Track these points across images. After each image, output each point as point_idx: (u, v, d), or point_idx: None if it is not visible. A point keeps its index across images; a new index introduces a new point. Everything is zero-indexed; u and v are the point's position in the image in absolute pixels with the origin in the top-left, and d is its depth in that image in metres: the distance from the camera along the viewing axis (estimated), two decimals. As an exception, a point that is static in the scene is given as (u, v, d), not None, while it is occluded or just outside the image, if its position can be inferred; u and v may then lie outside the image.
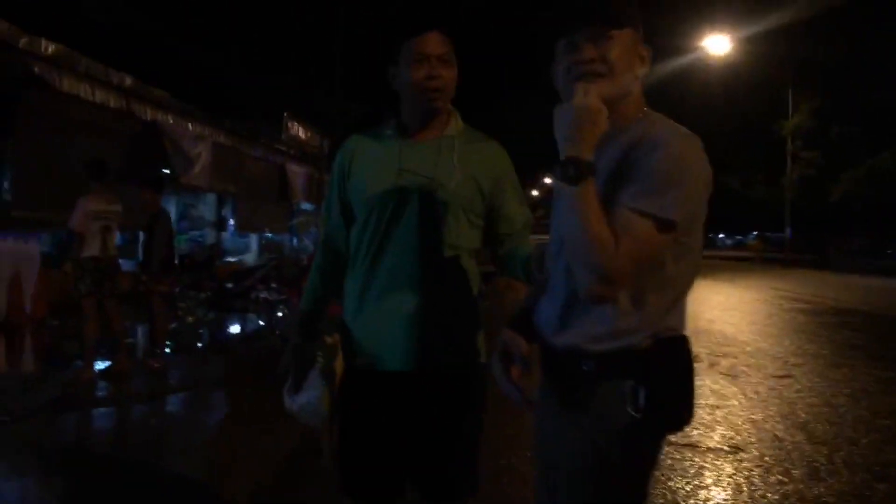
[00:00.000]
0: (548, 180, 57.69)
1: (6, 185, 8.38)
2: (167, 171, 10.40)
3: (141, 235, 7.64)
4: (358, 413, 2.08)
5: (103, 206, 6.45)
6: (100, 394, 5.93)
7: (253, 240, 15.23)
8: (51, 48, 10.34)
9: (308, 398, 2.09)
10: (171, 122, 11.04)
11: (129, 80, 10.79)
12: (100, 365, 6.48)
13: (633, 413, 1.43)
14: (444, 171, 2.02)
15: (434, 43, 1.99)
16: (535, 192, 70.87)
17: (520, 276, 2.11)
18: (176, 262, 8.48)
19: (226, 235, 14.67)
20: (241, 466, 4.13)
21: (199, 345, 8.00)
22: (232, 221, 14.91)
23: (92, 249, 6.30)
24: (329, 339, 2.13)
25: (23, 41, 10.08)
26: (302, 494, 3.71)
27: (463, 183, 2.03)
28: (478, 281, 2.13)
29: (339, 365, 2.10)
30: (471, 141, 2.11)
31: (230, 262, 11.89)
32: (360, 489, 2.09)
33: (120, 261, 6.92)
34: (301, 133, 16.28)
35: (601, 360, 1.46)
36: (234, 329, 8.62)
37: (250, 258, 14.01)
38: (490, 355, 1.75)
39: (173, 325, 7.79)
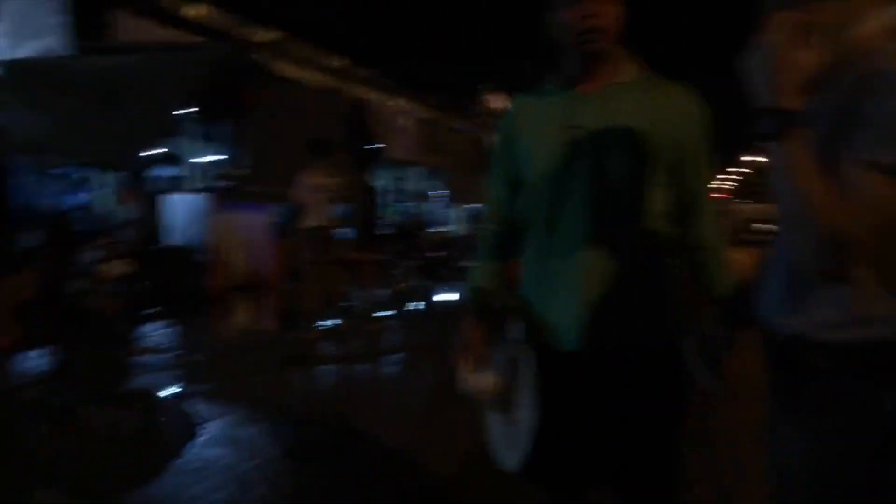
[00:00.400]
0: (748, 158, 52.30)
1: (243, 162, 9.26)
2: (375, 146, 10.83)
3: (350, 208, 8.03)
4: (545, 394, 1.84)
5: (322, 179, 6.78)
6: (321, 352, 6.28)
7: (458, 211, 15.55)
8: (269, 36, 11.18)
9: (484, 383, 1.91)
10: (379, 99, 11.50)
11: (341, 62, 11.37)
12: (325, 324, 6.89)
13: (883, 429, 1.11)
14: (614, 121, 1.73)
15: None
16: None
17: (716, 288, 1.78)
18: (385, 232, 8.82)
19: (432, 206, 15.13)
20: (449, 430, 4.11)
21: (409, 309, 8.26)
22: (438, 192, 15.35)
23: (312, 220, 6.67)
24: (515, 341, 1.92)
25: (248, 31, 11.02)
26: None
27: (637, 133, 1.72)
28: (671, 246, 1.79)
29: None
30: (650, 88, 1.77)
31: (436, 233, 12.19)
32: (547, 476, 1.88)
33: (339, 230, 7.30)
34: (497, 104, 16.33)
35: (836, 354, 1.18)
36: (442, 297, 8.79)
37: (456, 228, 14.32)
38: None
39: (385, 292, 8.12)
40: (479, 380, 1.93)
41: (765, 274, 1.34)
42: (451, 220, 15.14)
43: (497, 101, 16.23)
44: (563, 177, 1.76)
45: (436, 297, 8.73)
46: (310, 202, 6.68)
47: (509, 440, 1.88)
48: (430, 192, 15.12)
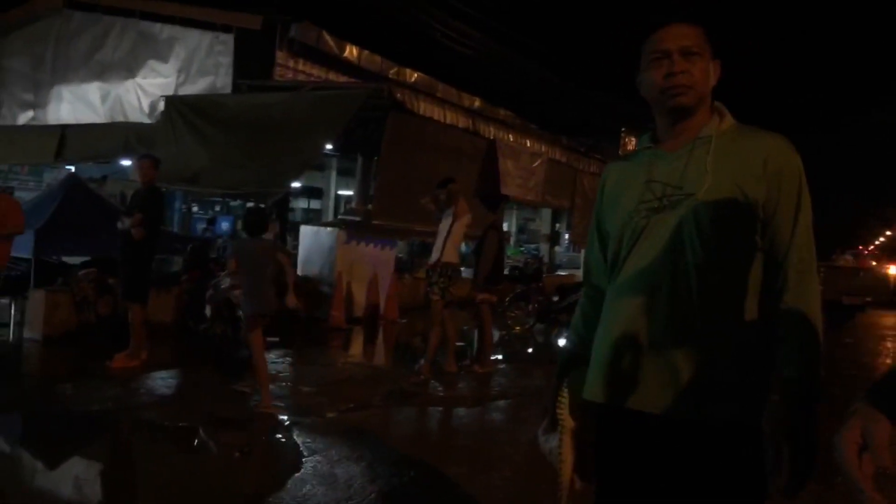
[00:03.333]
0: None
1: (373, 197, 9.62)
2: (504, 186, 10.87)
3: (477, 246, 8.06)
4: (598, 456, 1.80)
5: (454, 218, 6.81)
6: (431, 392, 6.32)
7: (581, 254, 15.31)
8: (414, 76, 11.61)
9: (551, 446, 1.87)
10: (511, 139, 11.57)
11: (477, 102, 11.58)
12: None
13: None
14: (693, 177, 1.65)
15: (673, 36, 1.68)
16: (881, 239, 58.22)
17: (794, 369, 1.58)
18: (508, 273, 8.79)
19: (559, 249, 14.96)
20: (548, 487, 3.98)
21: (524, 353, 8.17)
22: (567, 235, 15.15)
23: (444, 257, 6.67)
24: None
25: (392, 71, 11.51)
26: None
27: (716, 189, 1.62)
28: (755, 312, 1.64)
29: (565, 414, 1.85)
30: (738, 139, 1.68)
31: (558, 276, 12.02)
32: None
33: (463, 269, 7.33)
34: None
35: None
36: (561, 341, 8.62)
37: (581, 273, 14.07)
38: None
39: (502, 334, 8.08)
40: (548, 441, 1.90)
41: None
42: (576, 263, 14.91)
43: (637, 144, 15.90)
44: (638, 233, 1.71)
45: (553, 342, 8.58)
46: (440, 239, 6.72)
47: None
48: (563, 235, 14.99)
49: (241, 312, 6.96)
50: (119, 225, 6.14)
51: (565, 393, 1.89)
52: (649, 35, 1.73)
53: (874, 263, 23.18)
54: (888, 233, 56.82)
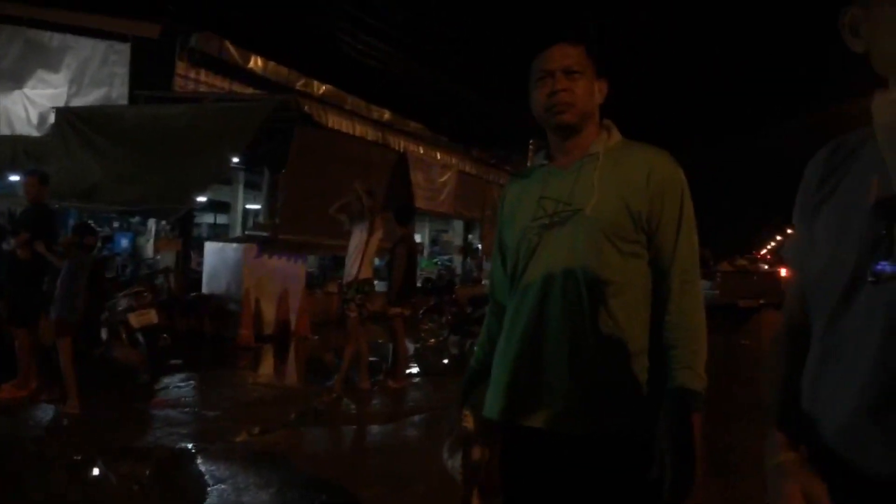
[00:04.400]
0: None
1: (280, 211, 9.39)
2: (415, 198, 10.86)
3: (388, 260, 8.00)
4: (504, 472, 1.84)
5: (366, 231, 6.71)
6: (343, 410, 6.20)
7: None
8: (322, 88, 11.46)
9: (454, 464, 1.88)
10: (422, 151, 11.60)
11: (387, 115, 11.55)
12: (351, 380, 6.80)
13: None
14: (581, 193, 1.71)
15: (556, 56, 1.74)
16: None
17: (676, 378, 1.63)
18: (420, 286, 8.76)
19: (469, 262, 15.08)
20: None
21: (443, 364, 8.14)
22: (479, 247, 15.29)
23: (357, 272, 6.53)
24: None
25: (299, 83, 11.32)
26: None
27: (602, 204, 1.68)
28: (645, 323, 1.70)
29: (468, 431, 1.88)
30: (623, 154, 1.75)
31: (471, 287, 12.11)
32: None
33: (376, 283, 7.24)
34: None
35: None
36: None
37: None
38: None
39: (416, 346, 8.03)
40: (452, 459, 1.91)
41: (818, 367, 1.05)
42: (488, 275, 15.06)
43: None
44: (532, 249, 1.75)
45: (467, 354, 8.60)
46: (353, 254, 6.61)
47: None
48: (475, 246, 15.10)
49: (139, 335, 6.65)
50: (4, 245, 5.75)
51: (468, 411, 1.90)
52: (535, 56, 1.77)
53: (766, 267, 24.56)
54: (779, 238, 60.52)
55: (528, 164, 15.35)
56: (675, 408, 1.60)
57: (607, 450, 1.64)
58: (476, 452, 1.86)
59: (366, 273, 6.55)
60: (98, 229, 9.50)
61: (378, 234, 6.61)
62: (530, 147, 15.60)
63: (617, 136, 1.80)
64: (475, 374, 1.97)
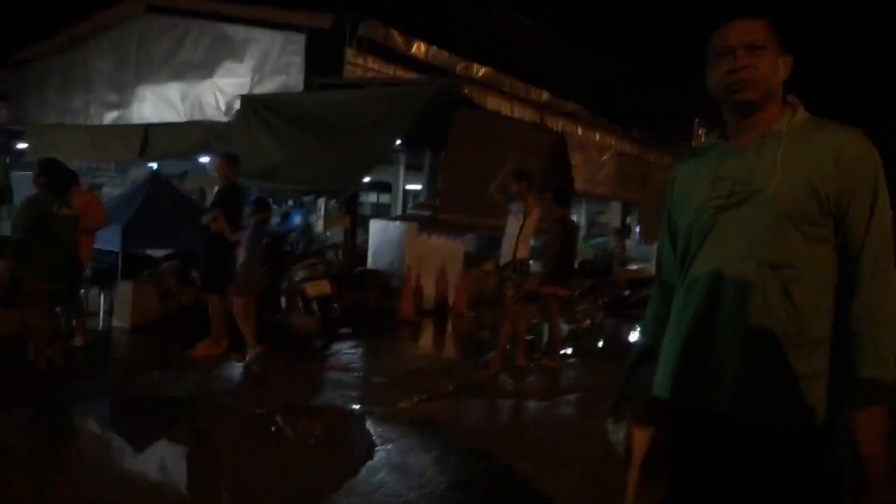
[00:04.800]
0: None
1: (441, 192, 9.69)
2: (574, 180, 10.76)
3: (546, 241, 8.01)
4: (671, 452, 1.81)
5: (524, 212, 6.79)
6: (500, 385, 6.34)
7: (652, 248, 14.99)
8: (481, 71, 11.62)
9: (618, 437, 1.89)
10: (580, 132, 11.45)
11: (545, 96, 11.50)
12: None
13: None
14: (762, 173, 1.61)
15: (737, 31, 1.65)
16: None
17: (866, 370, 1.54)
18: (576, 267, 8.71)
19: (630, 243, 14.71)
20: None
21: (598, 347, 8.09)
22: (637, 229, 14.90)
23: (515, 252, 6.64)
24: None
25: (459, 67, 11.54)
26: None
27: (786, 184, 1.57)
28: (828, 311, 1.60)
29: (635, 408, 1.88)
30: (810, 133, 1.63)
31: (630, 270, 11.83)
32: None
33: (533, 263, 7.31)
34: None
35: None
36: (632, 336, 8.51)
37: (650, 266, 13.80)
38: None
39: (571, 328, 8.03)
40: (616, 432, 1.93)
41: None
42: (647, 257, 14.63)
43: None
44: (704, 232, 1.70)
45: (623, 337, 8.46)
46: (510, 235, 6.71)
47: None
48: (634, 228, 14.73)
49: (314, 304, 7.17)
50: (203, 220, 6.41)
51: (635, 387, 1.91)
52: (714, 31, 1.71)
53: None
54: None
55: (693, 143, 14.70)
56: (859, 400, 1.53)
57: (780, 439, 1.59)
58: (642, 430, 1.87)
59: (522, 253, 6.62)
60: (274, 206, 10.32)
61: (535, 216, 6.63)
62: (696, 126, 14.90)
63: (803, 113, 1.70)
64: (641, 352, 1.95)
